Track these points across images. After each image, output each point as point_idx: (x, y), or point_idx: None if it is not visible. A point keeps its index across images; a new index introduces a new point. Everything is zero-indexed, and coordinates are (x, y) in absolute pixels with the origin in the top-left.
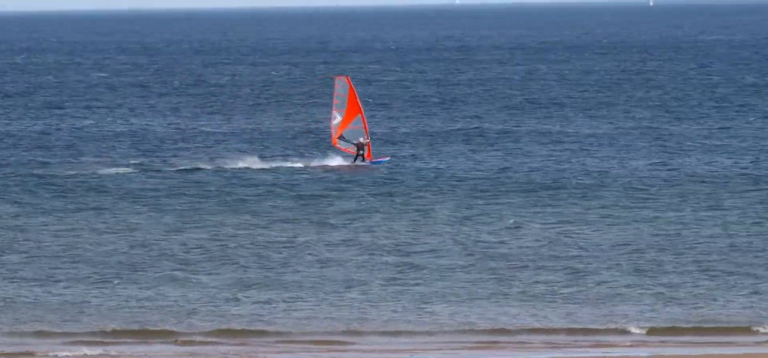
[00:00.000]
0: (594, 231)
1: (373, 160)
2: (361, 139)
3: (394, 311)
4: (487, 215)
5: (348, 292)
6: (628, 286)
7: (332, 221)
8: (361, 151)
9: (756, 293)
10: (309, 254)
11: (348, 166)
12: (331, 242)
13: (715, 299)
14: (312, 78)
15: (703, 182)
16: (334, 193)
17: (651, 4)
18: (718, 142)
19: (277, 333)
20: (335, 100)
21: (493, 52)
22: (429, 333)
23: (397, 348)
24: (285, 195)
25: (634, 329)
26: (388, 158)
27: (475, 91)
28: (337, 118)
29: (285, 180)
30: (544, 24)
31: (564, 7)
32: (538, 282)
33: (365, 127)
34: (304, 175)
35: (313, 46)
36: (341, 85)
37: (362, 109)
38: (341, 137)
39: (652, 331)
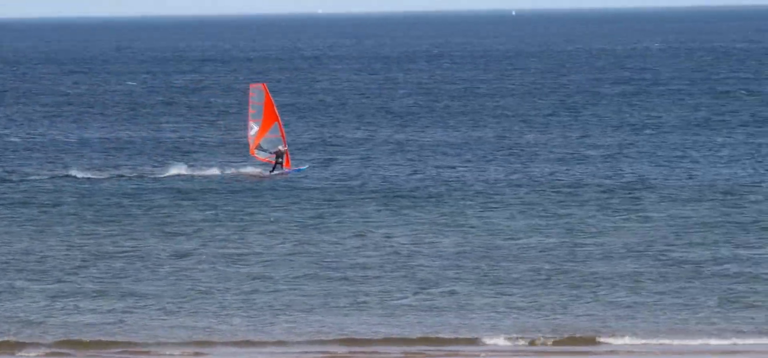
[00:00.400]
0: (446, 239)
1: (292, 169)
2: (280, 148)
3: (244, 320)
4: (340, 223)
5: (198, 302)
6: (480, 295)
7: (183, 231)
8: (280, 160)
9: (598, 301)
10: (159, 263)
11: (200, 175)
12: (181, 252)
13: (565, 308)
14: (168, 88)
15: (557, 190)
16: (185, 202)
17: (513, 13)
18: (572, 151)
19: (127, 343)
20: (251, 110)
21: (351, 62)
22: (281, 343)
23: None
24: (136, 204)
25: (486, 339)
26: (306, 166)
27: (330, 100)
28: (253, 129)
29: (137, 189)
30: (403, 34)
31: (426, 17)
32: (390, 291)
33: (283, 135)
34: (157, 185)
35: (170, 55)
36: (257, 94)
37: (279, 116)
38: (259, 147)
39: (505, 340)
